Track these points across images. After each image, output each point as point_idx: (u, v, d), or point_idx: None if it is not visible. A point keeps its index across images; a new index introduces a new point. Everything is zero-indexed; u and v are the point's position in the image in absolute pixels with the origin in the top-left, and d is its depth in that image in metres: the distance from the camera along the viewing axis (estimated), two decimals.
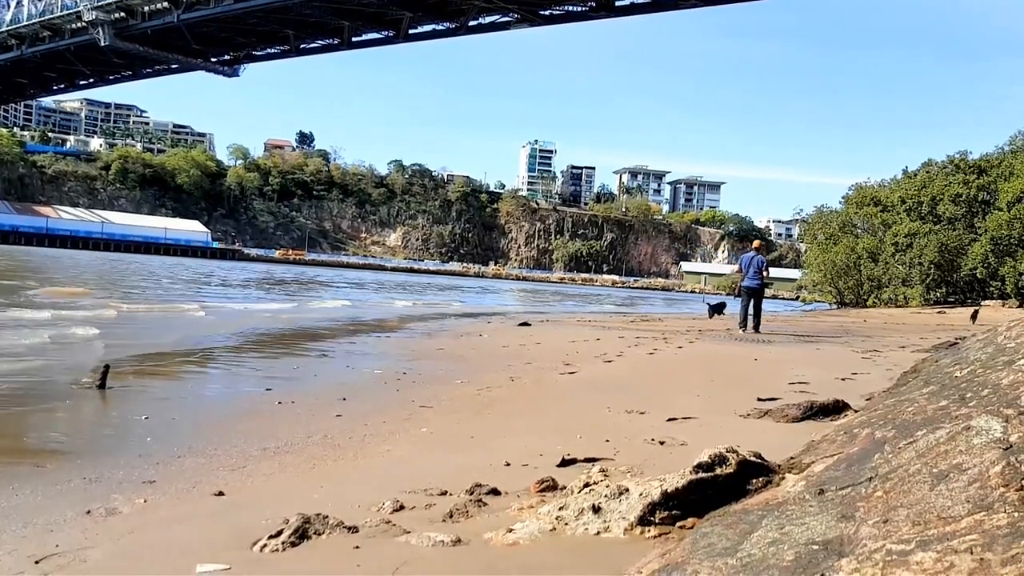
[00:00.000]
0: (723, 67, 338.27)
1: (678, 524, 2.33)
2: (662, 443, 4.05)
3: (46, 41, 77.03)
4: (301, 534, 2.57)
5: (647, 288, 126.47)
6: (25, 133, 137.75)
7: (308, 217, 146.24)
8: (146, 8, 69.38)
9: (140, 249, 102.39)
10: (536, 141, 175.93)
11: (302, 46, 74.25)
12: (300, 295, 31.02)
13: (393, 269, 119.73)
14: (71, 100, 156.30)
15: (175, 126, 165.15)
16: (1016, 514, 1.50)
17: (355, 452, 4.45)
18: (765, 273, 14.67)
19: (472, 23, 64.79)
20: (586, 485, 2.68)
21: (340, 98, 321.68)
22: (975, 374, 2.63)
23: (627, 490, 2.50)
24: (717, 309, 22.00)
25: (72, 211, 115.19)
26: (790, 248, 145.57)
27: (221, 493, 3.52)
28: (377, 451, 4.44)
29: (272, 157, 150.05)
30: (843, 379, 6.90)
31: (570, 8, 60.58)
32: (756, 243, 15.98)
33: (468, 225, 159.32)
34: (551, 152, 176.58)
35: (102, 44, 70.95)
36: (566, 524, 2.46)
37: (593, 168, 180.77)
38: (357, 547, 2.47)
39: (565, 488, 2.87)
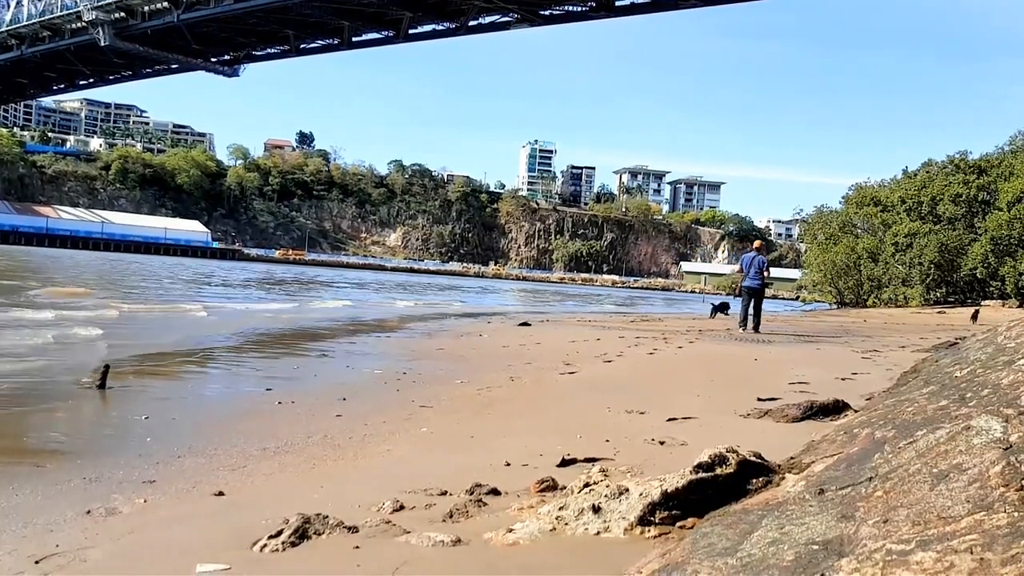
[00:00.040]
0: (723, 67, 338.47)
1: (678, 524, 2.33)
2: (662, 443, 4.05)
3: (46, 41, 77.04)
4: (301, 534, 2.57)
5: (647, 288, 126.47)
6: (25, 133, 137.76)
7: (308, 217, 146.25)
8: (146, 8, 69.38)
9: (140, 249, 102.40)
10: (536, 141, 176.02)
11: (302, 46, 74.26)
12: (301, 295, 31.03)
13: (393, 269, 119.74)
14: (71, 100, 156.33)
15: (175, 126, 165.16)
16: (1016, 514, 1.50)
17: (355, 452, 4.45)
18: (766, 273, 14.66)
19: (472, 23, 64.79)
20: (586, 485, 2.68)
21: (340, 98, 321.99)
22: (975, 374, 2.63)
23: (627, 490, 2.50)
24: (720, 309, 22.00)
25: (72, 211, 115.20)
26: (790, 248, 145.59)
27: (221, 493, 3.53)
28: (377, 451, 4.44)
29: (272, 157, 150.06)
30: (843, 379, 6.90)
31: (570, 8, 60.58)
32: (757, 243, 15.97)
33: (468, 225, 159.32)
34: (551, 152, 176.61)
35: (102, 44, 70.96)
36: (566, 524, 2.46)
37: (593, 168, 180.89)
38: (357, 547, 2.47)
39: (565, 488, 2.87)
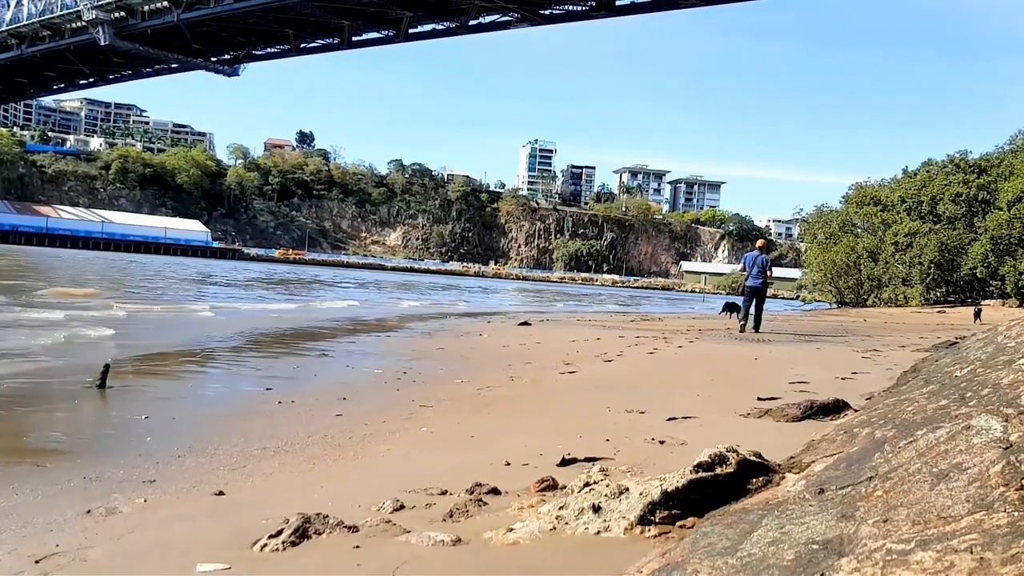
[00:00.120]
0: (723, 67, 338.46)
1: (678, 523, 2.33)
2: (662, 442, 4.05)
3: (46, 40, 76.99)
4: (301, 534, 2.57)
5: (647, 288, 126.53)
6: (25, 133, 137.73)
7: (308, 217, 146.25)
8: (146, 7, 69.34)
9: (140, 249, 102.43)
10: (536, 141, 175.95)
11: (302, 45, 74.21)
12: (306, 295, 31.06)
13: (393, 269, 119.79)
14: (71, 100, 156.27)
15: (175, 126, 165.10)
16: (1016, 513, 1.50)
17: (355, 452, 4.45)
18: (769, 272, 14.59)
19: (472, 23, 64.74)
20: (586, 484, 2.68)
21: (340, 98, 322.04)
22: (975, 373, 2.63)
23: (627, 489, 2.50)
24: (731, 308, 21.96)
25: (72, 211, 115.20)
26: (790, 248, 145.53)
27: (221, 493, 3.53)
28: (377, 451, 4.44)
29: (272, 157, 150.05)
30: (843, 378, 6.90)
31: (570, 8, 60.53)
32: (760, 242, 15.87)
33: (468, 224, 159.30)
34: (551, 152, 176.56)
35: (102, 43, 70.91)
36: (566, 523, 2.46)
37: (593, 168, 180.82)
38: (357, 547, 2.47)
39: (565, 487, 2.87)
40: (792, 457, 2.68)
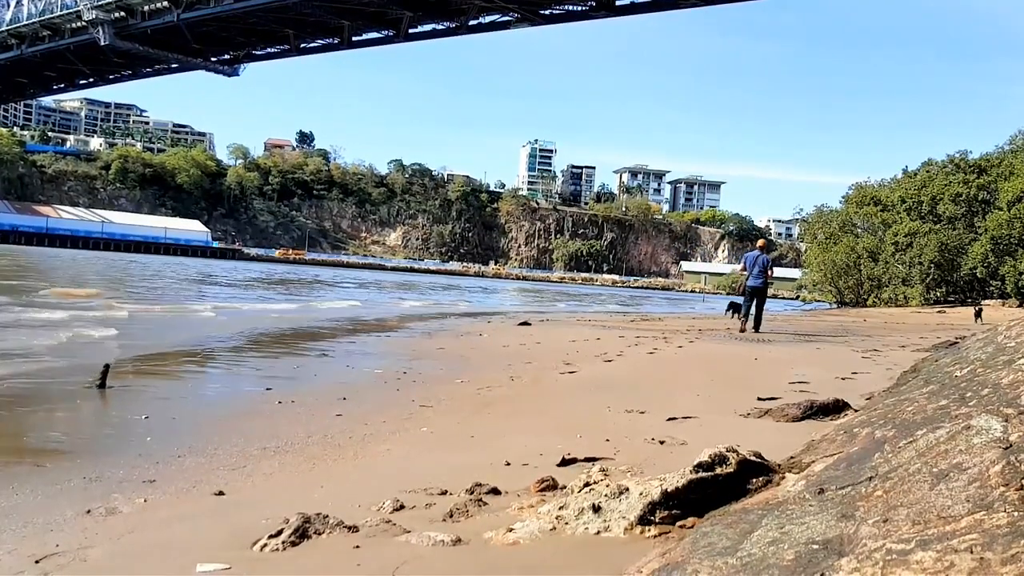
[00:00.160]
0: (723, 67, 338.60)
1: (678, 523, 2.33)
2: (662, 442, 4.05)
3: (46, 40, 76.99)
4: (301, 533, 2.57)
5: (647, 288, 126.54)
6: (25, 133, 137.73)
7: (308, 216, 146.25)
8: (146, 7, 69.33)
9: (140, 249, 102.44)
10: (536, 141, 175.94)
11: (302, 45, 74.20)
12: (308, 295, 31.07)
13: (393, 269, 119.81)
14: (71, 100, 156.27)
15: (175, 126, 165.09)
16: (1016, 513, 1.50)
17: (355, 452, 4.45)
18: (770, 272, 14.55)
19: (472, 23, 64.73)
20: (586, 484, 2.68)
21: (340, 98, 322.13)
22: (975, 373, 2.63)
23: (627, 489, 2.50)
24: (735, 308, 21.91)
25: (72, 211, 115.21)
26: (790, 248, 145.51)
27: (221, 493, 3.53)
28: (377, 450, 4.44)
29: (272, 157, 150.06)
30: (843, 378, 6.90)
31: (570, 8, 60.51)
32: (760, 242, 15.82)
33: (468, 224, 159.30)
34: (551, 152, 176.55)
35: (102, 43, 70.91)
36: (566, 523, 2.46)
37: (593, 168, 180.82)
38: (357, 547, 2.47)
39: (565, 487, 2.87)
40: (792, 457, 2.68)
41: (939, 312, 32.54)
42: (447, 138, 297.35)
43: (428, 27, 67.20)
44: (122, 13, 69.90)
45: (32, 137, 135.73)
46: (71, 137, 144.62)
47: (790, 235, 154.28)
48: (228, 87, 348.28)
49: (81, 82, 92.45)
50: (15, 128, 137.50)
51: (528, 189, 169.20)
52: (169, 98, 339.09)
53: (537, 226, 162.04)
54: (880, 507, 1.74)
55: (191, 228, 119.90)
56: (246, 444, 4.63)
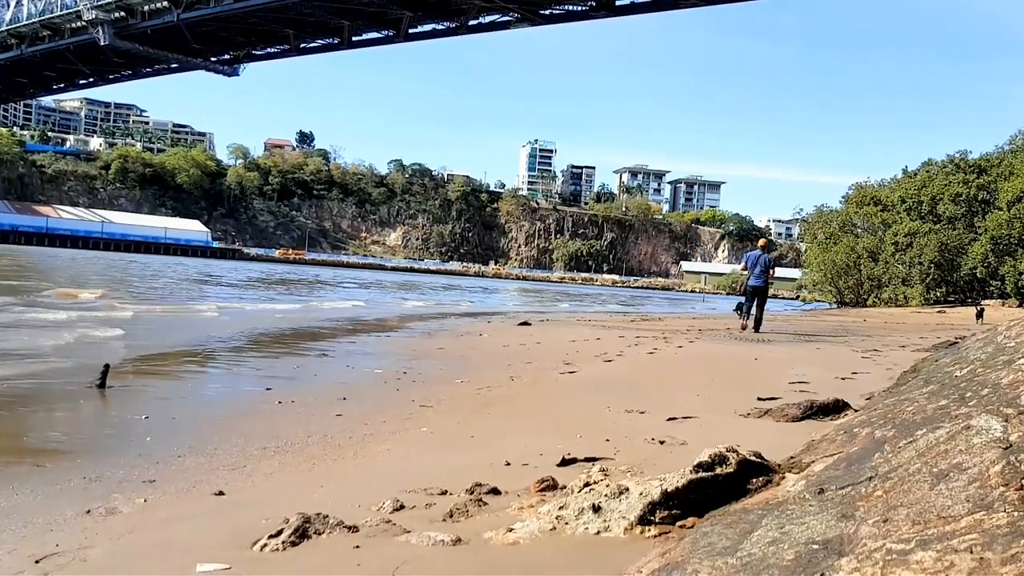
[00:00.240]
0: (723, 66, 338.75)
1: (678, 523, 2.33)
2: (662, 442, 4.05)
3: (46, 40, 76.98)
4: (301, 533, 2.57)
5: (647, 288, 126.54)
6: (25, 132, 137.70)
7: (308, 216, 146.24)
8: (146, 7, 69.32)
9: (140, 249, 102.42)
10: (536, 141, 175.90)
11: (302, 45, 74.20)
12: (310, 295, 31.07)
13: (393, 269, 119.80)
14: (71, 99, 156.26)
15: (175, 126, 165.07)
16: (1016, 513, 1.50)
17: (355, 451, 4.45)
18: (771, 272, 14.52)
19: (472, 23, 64.73)
20: (586, 484, 2.68)
21: (340, 98, 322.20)
22: (975, 373, 2.63)
23: (627, 489, 2.50)
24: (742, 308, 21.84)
25: (72, 210, 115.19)
26: (790, 248, 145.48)
27: (221, 492, 3.52)
28: (377, 450, 4.44)
29: (272, 157, 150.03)
30: (843, 378, 6.90)
31: (570, 8, 60.50)
32: (762, 241, 15.78)
33: (468, 224, 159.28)
34: (551, 152, 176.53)
35: (102, 43, 70.90)
36: (566, 523, 2.46)
37: (593, 168, 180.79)
38: (357, 547, 2.47)
39: (565, 487, 2.87)
40: (792, 457, 2.68)
41: (939, 312, 32.55)
42: (447, 138, 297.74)
43: (428, 27, 67.20)
44: (122, 13, 69.90)
45: (32, 137, 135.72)
46: (71, 137, 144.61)
47: (790, 235, 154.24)
48: (228, 87, 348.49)
49: (81, 82, 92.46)
50: (15, 128, 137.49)
51: (528, 189, 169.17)
52: (169, 98, 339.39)
53: (537, 226, 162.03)
54: (880, 507, 1.74)
55: (191, 228, 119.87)
56: (246, 444, 4.63)
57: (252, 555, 2.48)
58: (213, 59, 78.59)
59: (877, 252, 43.66)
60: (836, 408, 4.57)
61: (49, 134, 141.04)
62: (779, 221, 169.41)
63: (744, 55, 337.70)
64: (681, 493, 2.39)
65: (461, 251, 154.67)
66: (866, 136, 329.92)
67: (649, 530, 2.32)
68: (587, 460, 3.62)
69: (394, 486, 3.28)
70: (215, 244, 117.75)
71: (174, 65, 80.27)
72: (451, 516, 2.76)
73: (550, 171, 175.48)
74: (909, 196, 43.53)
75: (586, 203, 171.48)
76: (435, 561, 2.29)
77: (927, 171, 45.44)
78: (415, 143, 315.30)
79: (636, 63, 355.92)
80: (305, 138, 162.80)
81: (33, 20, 75.56)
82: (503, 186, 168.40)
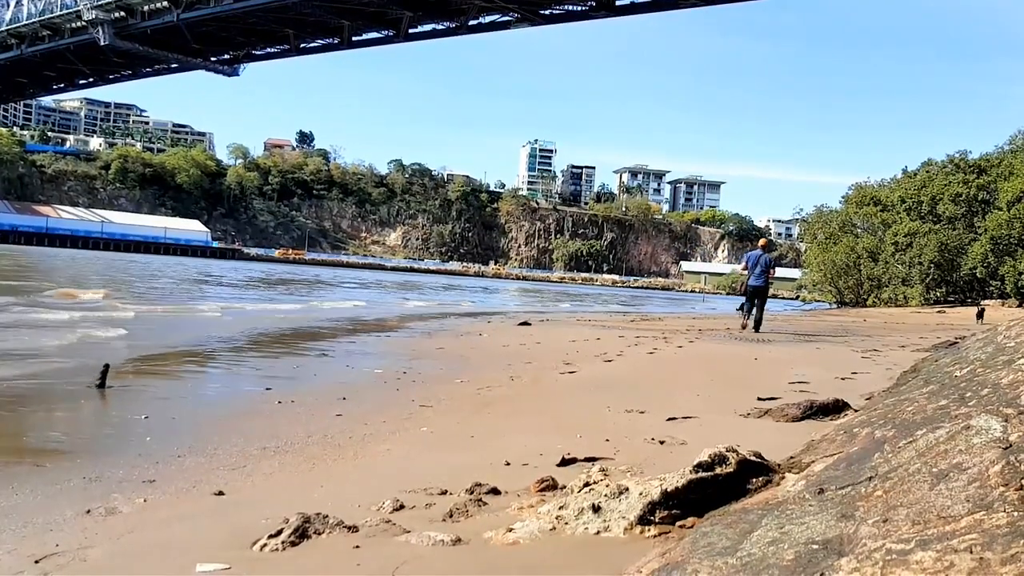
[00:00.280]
0: (723, 67, 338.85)
1: (678, 523, 2.33)
2: (662, 442, 4.05)
3: (46, 40, 76.98)
4: (301, 533, 2.57)
5: (647, 288, 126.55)
6: (25, 132, 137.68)
7: (308, 216, 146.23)
8: (146, 7, 69.33)
9: (140, 249, 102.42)
10: (536, 141, 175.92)
11: (302, 45, 74.21)
12: (311, 295, 31.08)
13: (393, 269, 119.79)
14: (71, 99, 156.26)
15: (175, 125, 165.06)
16: (1016, 513, 1.50)
17: (355, 451, 4.45)
18: (772, 272, 14.50)
19: (472, 23, 64.73)
20: (586, 484, 2.68)
21: (340, 98, 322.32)
22: (975, 373, 2.63)
23: (627, 489, 2.50)
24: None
25: (72, 210, 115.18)
26: (790, 248, 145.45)
27: (221, 492, 3.52)
28: (377, 450, 4.44)
29: (272, 156, 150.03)
30: (843, 378, 6.89)
31: (570, 8, 60.51)
32: (762, 241, 15.76)
33: (468, 224, 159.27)
34: (551, 152, 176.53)
35: (102, 43, 70.90)
36: (566, 523, 2.46)
37: (593, 168, 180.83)
38: (357, 546, 2.47)
39: (565, 487, 2.87)
40: (792, 457, 2.68)
41: (939, 312, 32.55)
42: (447, 138, 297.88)
43: (428, 27, 67.21)
44: (122, 13, 69.90)
45: (32, 137, 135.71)
46: (71, 137, 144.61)
47: (790, 235, 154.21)
48: (228, 87, 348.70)
49: (81, 82, 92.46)
50: (15, 128, 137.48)
51: (528, 189, 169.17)
52: (169, 98, 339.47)
53: (537, 226, 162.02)
54: (880, 507, 1.74)
55: (191, 228, 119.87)
56: (246, 444, 4.63)
57: (252, 555, 2.48)
58: (213, 59, 78.60)
59: (877, 252, 43.67)
60: (836, 408, 4.57)
61: (49, 134, 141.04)
62: (779, 221, 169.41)
63: (744, 55, 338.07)
64: (681, 493, 2.39)
65: (461, 251, 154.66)
66: (866, 136, 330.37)
67: (649, 530, 2.32)
68: (587, 460, 3.61)
69: (394, 486, 3.28)
70: (215, 244, 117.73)
71: (174, 65, 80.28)
72: (451, 516, 2.76)
73: (550, 171, 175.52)
74: (909, 196, 43.53)
75: (586, 203, 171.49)
76: (435, 561, 2.29)
77: (927, 171, 45.44)
78: (415, 143, 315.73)
79: (636, 63, 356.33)
80: (305, 138, 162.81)
81: (33, 20, 75.57)
82: (503, 186, 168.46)
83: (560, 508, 2.55)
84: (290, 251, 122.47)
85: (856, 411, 3.98)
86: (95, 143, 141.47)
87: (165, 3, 67.84)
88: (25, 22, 76.29)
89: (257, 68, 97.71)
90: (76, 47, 75.32)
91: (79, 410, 5.76)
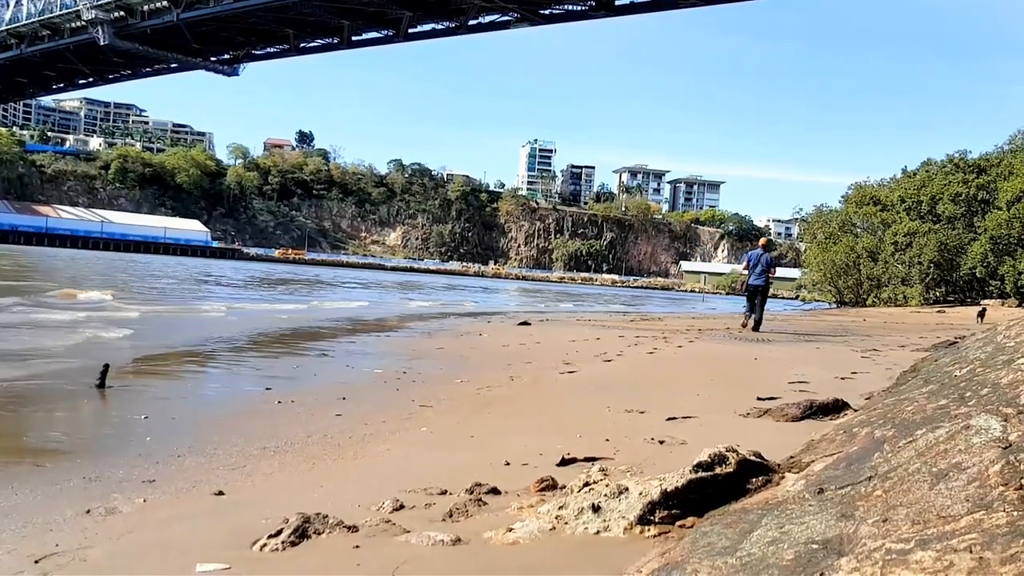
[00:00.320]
0: (723, 66, 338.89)
1: (678, 523, 2.33)
2: (662, 442, 4.05)
3: (45, 40, 76.99)
4: (301, 533, 2.57)
5: (647, 288, 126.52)
6: (24, 132, 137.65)
7: (308, 216, 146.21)
8: (145, 7, 69.35)
9: (140, 249, 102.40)
10: (536, 140, 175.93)
11: (302, 45, 74.23)
12: (311, 295, 31.07)
13: (393, 268, 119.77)
14: (71, 99, 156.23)
15: (175, 125, 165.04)
16: (1015, 513, 1.50)
17: (355, 451, 4.45)
18: (772, 271, 14.51)
19: (472, 22, 64.76)
20: (586, 484, 2.68)
21: (340, 98, 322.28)
22: (974, 373, 2.63)
23: (627, 489, 2.50)
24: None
25: (72, 210, 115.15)
26: (790, 247, 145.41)
27: (221, 492, 3.52)
28: (377, 450, 4.44)
29: (272, 156, 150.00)
30: (843, 378, 6.90)
31: (570, 8, 60.53)
32: (763, 240, 15.75)
33: (468, 224, 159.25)
34: (551, 151, 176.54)
35: (101, 43, 70.91)
36: (566, 523, 2.46)
37: (593, 167, 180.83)
38: (357, 546, 2.47)
39: (565, 487, 2.87)
40: (792, 457, 2.68)
41: (938, 312, 32.55)
42: (447, 138, 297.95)
43: (428, 27, 67.23)
44: (121, 13, 69.91)
45: (32, 137, 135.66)
46: (71, 137, 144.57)
47: (790, 235, 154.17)
48: (228, 87, 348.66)
49: (81, 82, 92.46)
50: (15, 128, 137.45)
51: (528, 189, 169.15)
52: (169, 98, 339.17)
53: (537, 226, 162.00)
54: (880, 507, 1.74)
55: (191, 228, 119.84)
56: (246, 444, 4.63)
57: (252, 555, 2.48)
58: (213, 59, 78.61)
59: (877, 252, 43.67)
60: (836, 408, 4.57)
61: (49, 134, 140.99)
62: (779, 221, 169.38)
63: (744, 55, 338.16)
64: (681, 493, 2.39)
65: (461, 251, 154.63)
66: (866, 136, 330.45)
67: (649, 530, 2.32)
68: (587, 460, 3.61)
69: (394, 486, 3.28)
70: (215, 244, 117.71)
71: (174, 65, 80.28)
72: (451, 516, 2.76)
73: (550, 171, 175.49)
74: (908, 196, 43.53)
75: (586, 203, 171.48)
76: (435, 561, 2.29)
77: (927, 171, 45.43)
78: (415, 143, 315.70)
79: (636, 63, 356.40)
80: (305, 138, 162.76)
81: (33, 20, 75.57)
82: (503, 186, 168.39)
83: (560, 508, 2.55)
84: (290, 251, 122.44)
85: (856, 411, 3.98)
86: (95, 143, 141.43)
87: (165, 3, 67.86)
88: (25, 22, 76.30)
89: (257, 68, 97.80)
90: (76, 47, 75.34)
91: (79, 410, 5.76)
